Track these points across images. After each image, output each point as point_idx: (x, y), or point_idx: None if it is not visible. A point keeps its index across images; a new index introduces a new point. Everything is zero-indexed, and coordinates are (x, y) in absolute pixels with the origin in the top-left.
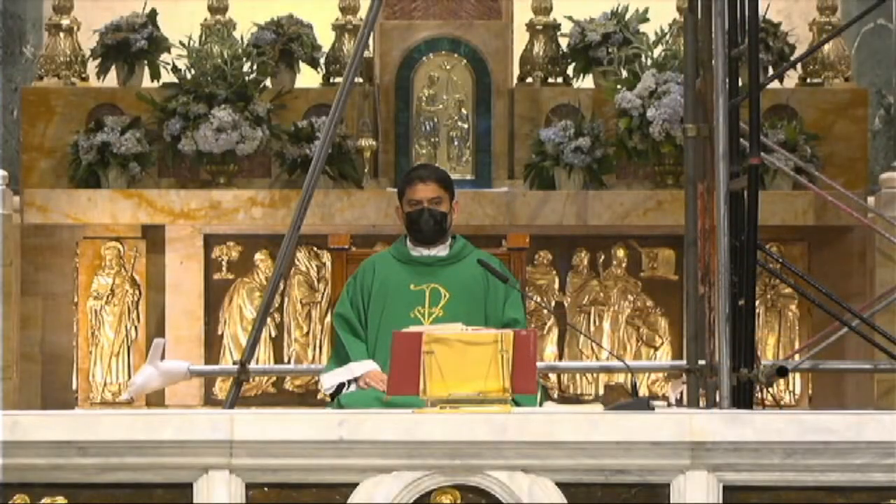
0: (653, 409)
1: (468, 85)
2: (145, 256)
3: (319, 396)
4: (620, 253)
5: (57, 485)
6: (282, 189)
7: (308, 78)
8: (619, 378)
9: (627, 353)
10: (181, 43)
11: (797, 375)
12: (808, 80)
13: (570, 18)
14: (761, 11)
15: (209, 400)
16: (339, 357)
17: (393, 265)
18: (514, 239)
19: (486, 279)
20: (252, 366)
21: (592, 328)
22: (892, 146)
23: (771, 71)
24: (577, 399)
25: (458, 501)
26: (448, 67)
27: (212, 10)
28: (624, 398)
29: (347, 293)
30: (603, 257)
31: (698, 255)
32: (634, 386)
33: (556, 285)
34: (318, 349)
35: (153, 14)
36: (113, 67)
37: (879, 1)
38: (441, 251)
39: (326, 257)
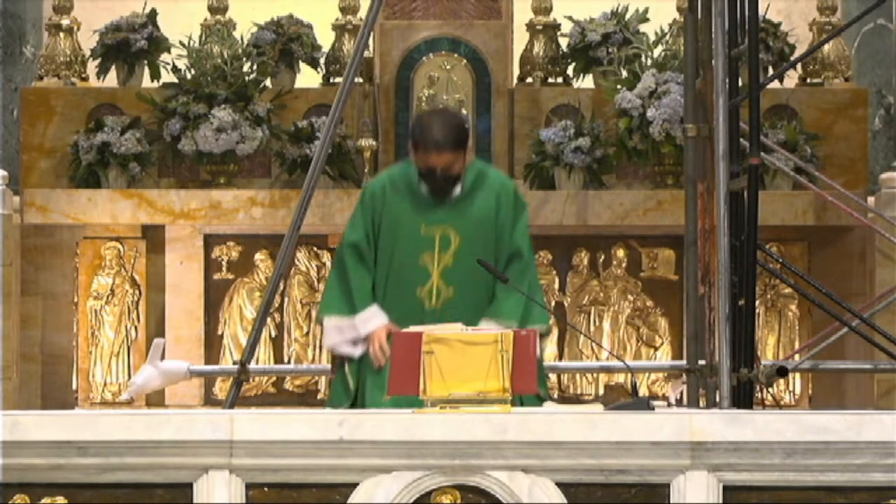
0: (653, 409)
1: (468, 85)
2: (145, 256)
3: (319, 396)
4: (620, 253)
5: (57, 485)
6: (282, 189)
7: (308, 78)
8: (619, 378)
9: (627, 353)
10: (181, 43)
11: (797, 375)
12: (808, 80)
13: (570, 18)
14: (761, 11)
15: (209, 400)
16: (343, 287)
17: (404, 198)
18: None
19: (498, 209)
20: (252, 366)
21: (592, 328)
22: (892, 146)
23: (771, 71)
24: (577, 399)
25: (458, 501)
26: (448, 67)
27: (212, 10)
28: (624, 398)
29: (361, 220)
30: (603, 257)
31: (698, 255)
32: (634, 386)
33: (556, 285)
34: (318, 349)
35: (153, 14)
36: (113, 67)
37: (879, 1)
38: (454, 192)
39: (326, 257)
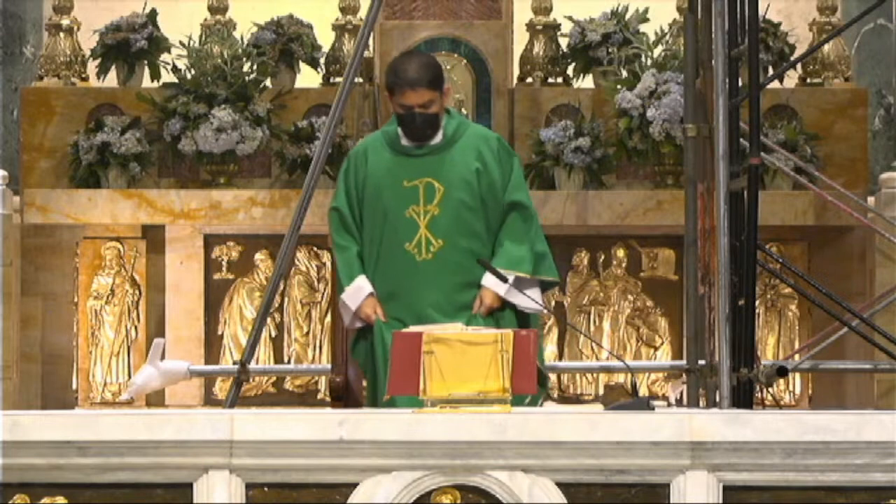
0: (653, 409)
1: (468, 85)
2: (145, 256)
3: (319, 396)
4: (620, 253)
5: (57, 485)
6: (282, 189)
7: (308, 78)
8: (619, 378)
9: (627, 353)
10: (181, 43)
11: (797, 375)
12: (808, 80)
13: (570, 18)
14: (761, 11)
15: (209, 400)
16: (339, 260)
17: (385, 155)
18: None
19: (483, 160)
20: (252, 366)
21: (592, 328)
22: (892, 146)
23: (771, 71)
24: (577, 399)
25: (458, 501)
26: (448, 67)
27: (212, 10)
28: (624, 398)
29: (343, 185)
30: (603, 257)
31: (698, 255)
32: (634, 386)
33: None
34: (318, 349)
35: (153, 14)
36: (113, 67)
37: (879, 1)
38: (434, 139)
39: (326, 257)
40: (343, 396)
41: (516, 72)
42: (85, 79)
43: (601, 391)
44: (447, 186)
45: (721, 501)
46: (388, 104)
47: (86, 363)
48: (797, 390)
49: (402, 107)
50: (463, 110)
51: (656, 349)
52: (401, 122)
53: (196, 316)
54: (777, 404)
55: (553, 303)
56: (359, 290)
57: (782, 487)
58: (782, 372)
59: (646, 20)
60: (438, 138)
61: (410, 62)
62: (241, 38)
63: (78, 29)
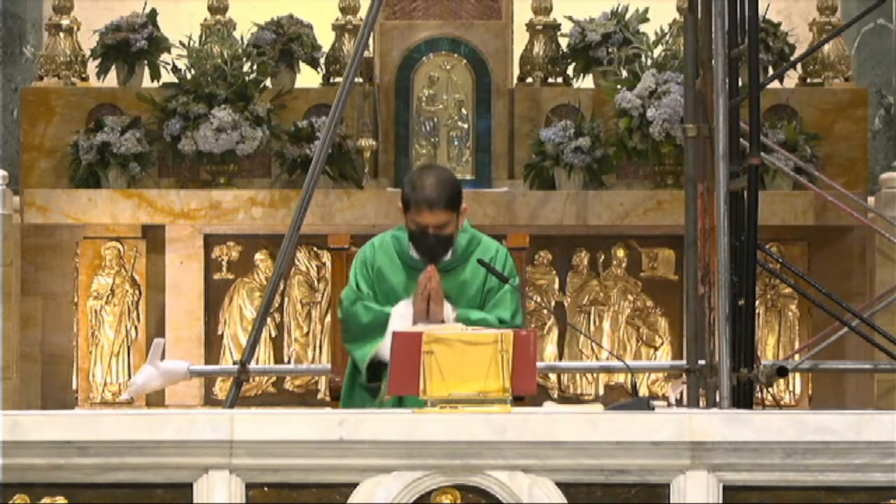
0: (653, 409)
1: (468, 85)
2: (145, 256)
3: (319, 396)
4: (620, 253)
5: (57, 485)
6: (282, 189)
7: (308, 78)
8: (619, 378)
9: (627, 353)
10: (181, 43)
11: (797, 375)
12: (808, 80)
13: (570, 18)
14: (761, 11)
15: (209, 400)
16: (365, 329)
17: (395, 264)
18: (514, 239)
19: (486, 276)
20: (252, 366)
21: (592, 328)
22: (892, 146)
23: (771, 71)
24: (577, 399)
25: (458, 501)
26: (448, 67)
27: (212, 10)
28: (624, 398)
29: (364, 282)
30: (603, 257)
31: (698, 255)
32: (634, 386)
33: (556, 285)
34: (318, 349)
35: (153, 14)
36: (113, 67)
37: (879, 1)
38: (445, 257)
39: (326, 257)
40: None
41: (516, 72)
42: (85, 79)
43: (601, 391)
44: (455, 303)
45: (721, 501)
46: (388, 102)
47: (86, 363)
48: (797, 390)
49: (416, 224)
50: (463, 110)
51: (656, 349)
52: (412, 237)
53: (196, 316)
54: (777, 404)
55: (553, 303)
56: (402, 312)
57: (782, 487)
58: (782, 372)
59: (646, 20)
60: (449, 256)
61: (430, 178)
62: (241, 38)
63: (78, 29)
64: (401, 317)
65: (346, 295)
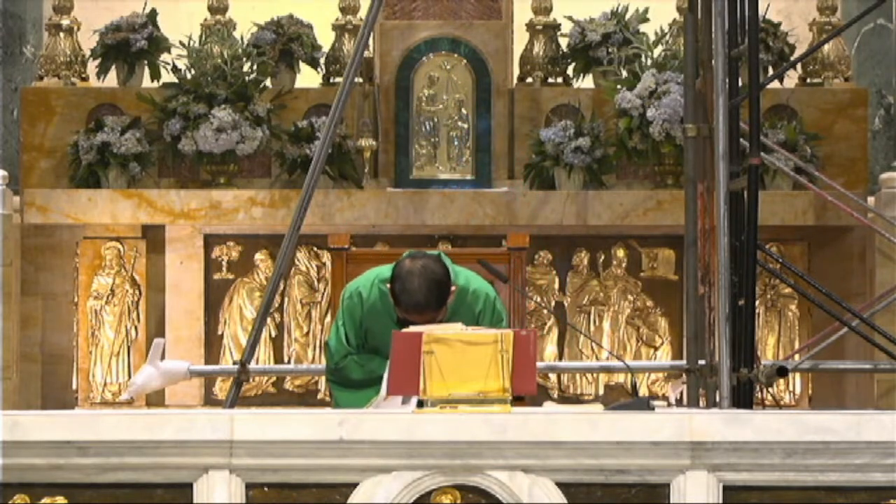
0: (653, 409)
1: (468, 85)
2: (145, 256)
3: (319, 396)
4: (620, 253)
5: (57, 485)
6: (282, 189)
7: (308, 78)
8: (619, 378)
9: (627, 353)
10: (181, 43)
11: (797, 375)
12: (808, 80)
13: (570, 18)
14: (761, 11)
15: (209, 400)
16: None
17: (383, 320)
18: (514, 239)
19: (477, 319)
20: (252, 366)
21: (592, 328)
22: (892, 146)
23: (771, 71)
24: (577, 399)
25: (458, 501)
26: (448, 67)
27: (212, 10)
28: (624, 398)
29: (352, 329)
30: (603, 257)
31: (698, 255)
32: (634, 386)
33: (556, 285)
34: (318, 349)
35: (153, 14)
36: (113, 67)
37: (879, 1)
38: None
39: (326, 257)
40: None
41: (516, 72)
42: (85, 79)
43: (601, 391)
44: None
45: (721, 501)
46: (388, 102)
47: (86, 363)
48: (797, 390)
49: (405, 319)
50: (463, 110)
51: (656, 349)
52: (401, 322)
53: (196, 316)
54: (777, 404)
55: (553, 303)
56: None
57: (782, 487)
58: (782, 372)
59: (646, 20)
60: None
61: (417, 281)
62: (241, 38)
63: (78, 29)
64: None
65: (335, 348)
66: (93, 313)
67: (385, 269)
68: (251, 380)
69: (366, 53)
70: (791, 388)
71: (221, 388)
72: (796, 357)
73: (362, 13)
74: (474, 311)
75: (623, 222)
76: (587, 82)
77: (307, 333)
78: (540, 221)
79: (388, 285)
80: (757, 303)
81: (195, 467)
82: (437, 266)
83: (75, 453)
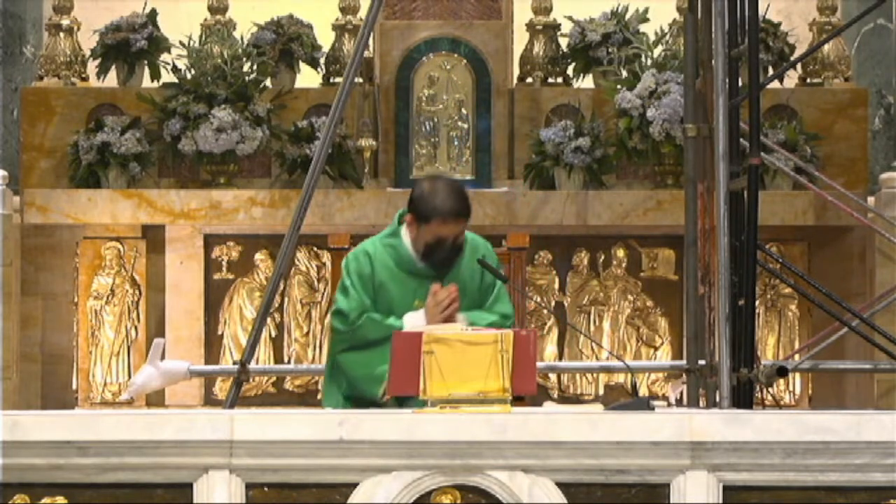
0: (653, 409)
1: (468, 85)
2: (145, 256)
3: (319, 397)
4: (620, 253)
5: (57, 485)
6: (282, 189)
7: (308, 78)
8: (619, 378)
9: (627, 353)
10: (181, 43)
11: (797, 375)
12: (808, 80)
13: (570, 18)
14: (761, 11)
15: (209, 400)
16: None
17: (395, 274)
18: (514, 239)
19: (482, 274)
20: (252, 366)
21: (592, 328)
22: (892, 146)
23: (771, 71)
24: (577, 399)
25: (458, 501)
26: (448, 67)
27: (212, 10)
28: (624, 398)
29: (361, 290)
30: (603, 257)
31: (698, 255)
32: (634, 386)
33: (556, 285)
34: (318, 349)
35: (153, 14)
36: (113, 67)
37: (879, 1)
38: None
39: (326, 257)
40: None
41: (516, 72)
42: (85, 79)
43: (601, 391)
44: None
45: (721, 501)
46: (388, 102)
47: (86, 363)
48: (797, 390)
49: (434, 236)
50: (463, 110)
51: (656, 349)
52: (427, 249)
53: (196, 316)
54: (777, 404)
55: (553, 303)
56: (417, 325)
57: (782, 487)
58: (782, 372)
59: (646, 20)
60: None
61: (445, 190)
62: (241, 38)
63: (78, 29)
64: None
65: (348, 307)
66: (93, 313)
67: (378, 236)
68: (251, 380)
69: (366, 53)
70: (791, 388)
71: (221, 388)
72: (796, 357)
73: (362, 13)
74: (476, 256)
75: (623, 222)
76: (587, 82)
77: (307, 333)
78: (540, 221)
79: (412, 209)
80: (757, 303)
81: (195, 467)
82: (456, 180)
83: (75, 453)
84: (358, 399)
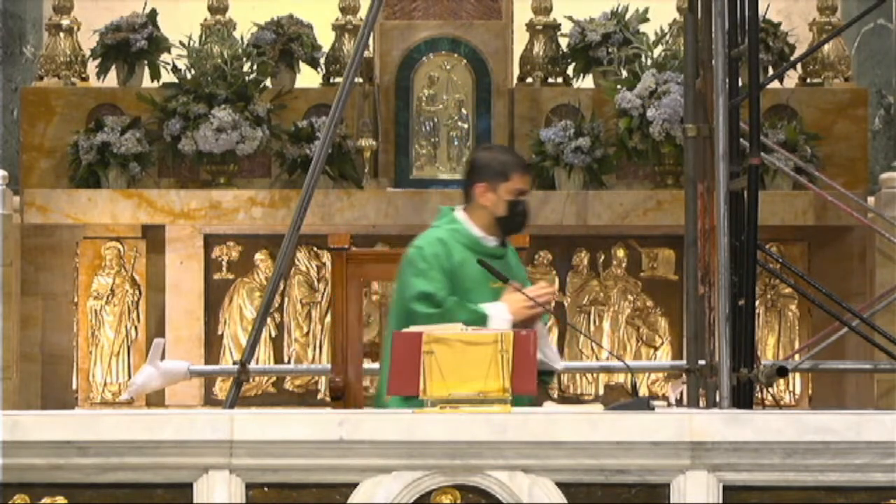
0: (653, 409)
1: (468, 85)
2: (145, 256)
3: (319, 396)
4: (620, 253)
5: (57, 485)
6: (282, 189)
7: (308, 78)
8: (619, 378)
9: (627, 353)
10: (181, 43)
11: (797, 375)
12: (808, 80)
13: (570, 18)
14: (761, 11)
15: (209, 400)
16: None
17: (465, 254)
18: (515, 239)
19: (518, 255)
20: (252, 366)
21: (592, 328)
22: (892, 146)
23: (771, 71)
24: (577, 399)
25: (458, 501)
26: (448, 67)
27: (212, 10)
28: (624, 398)
29: (439, 273)
30: (603, 257)
31: (698, 255)
32: (634, 386)
33: (556, 285)
34: (318, 349)
35: (153, 14)
36: (113, 67)
37: (879, 1)
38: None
39: (326, 257)
40: (343, 396)
41: (516, 72)
42: (85, 79)
43: (601, 391)
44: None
45: (721, 501)
46: (388, 102)
47: (86, 363)
48: (797, 390)
49: (514, 193)
50: (463, 110)
51: (656, 349)
52: (509, 212)
53: (196, 316)
54: (777, 404)
55: (553, 303)
56: (502, 317)
57: (782, 487)
58: (782, 372)
59: (646, 20)
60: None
61: (505, 149)
62: (241, 38)
63: (78, 29)
64: (502, 322)
65: (434, 288)
66: (93, 313)
67: (436, 227)
68: (251, 380)
69: (366, 53)
70: (791, 388)
71: (221, 388)
72: (796, 357)
73: (362, 13)
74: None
75: (623, 222)
76: (587, 82)
77: (307, 333)
78: (540, 221)
79: (483, 177)
80: (757, 303)
81: (195, 467)
82: None
83: (75, 453)
84: None
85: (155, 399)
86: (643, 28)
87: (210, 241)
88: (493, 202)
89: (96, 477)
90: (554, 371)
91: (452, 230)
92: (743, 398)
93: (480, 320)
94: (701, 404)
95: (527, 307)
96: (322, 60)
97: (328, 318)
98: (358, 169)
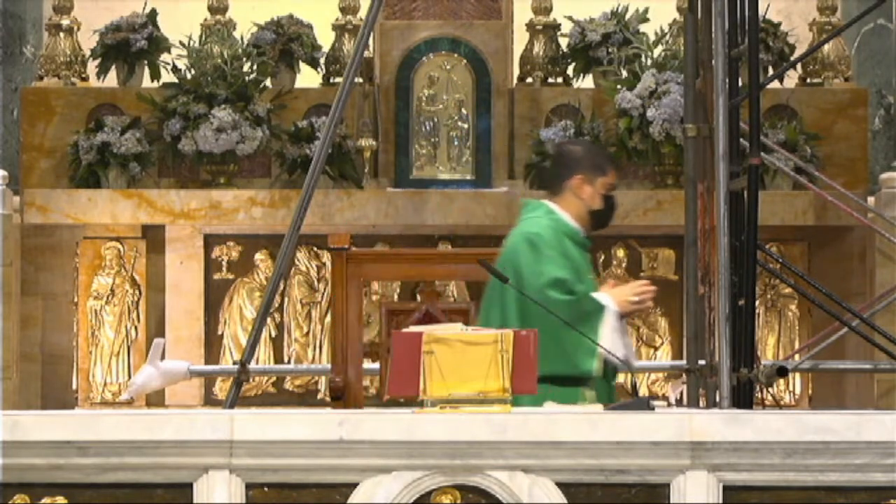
0: (653, 409)
1: (468, 85)
2: (145, 256)
3: (319, 396)
4: (620, 253)
5: (57, 485)
6: (282, 189)
7: (308, 78)
8: (620, 378)
9: None
10: (181, 43)
11: (797, 375)
12: (808, 80)
13: (570, 18)
14: (761, 11)
15: (209, 400)
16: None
17: (571, 246)
18: None
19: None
20: (252, 366)
21: None
22: (892, 146)
23: (771, 71)
24: None
25: (458, 501)
26: (448, 67)
27: (212, 10)
28: (624, 398)
29: (563, 258)
30: (603, 257)
31: (698, 255)
32: (634, 386)
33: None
34: (318, 349)
35: (153, 14)
36: (113, 67)
37: (879, 1)
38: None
39: (326, 257)
40: (343, 396)
41: (516, 72)
42: (85, 79)
43: None
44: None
45: (721, 501)
46: (388, 102)
47: (86, 363)
48: (797, 390)
49: (610, 186)
50: (463, 110)
51: (656, 349)
52: (605, 206)
53: (196, 316)
54: (777, 404)
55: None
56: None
57: (782, 487)
58: (782, 372)
59: (646, 20)
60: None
61: (591, 144)
62: (241, 38)
63: (78, 29)
64: (613, 330)
65: (565, 273)
66: (93, 313)
67: (530, 220)
68: (251, 380)
69: (366, 53)
70: (791, 388)
71: (221, 388)
72: (796, 357)
73: (362, 13)
74: None
75: (623, 222)
76: (587, 82)
77: (307, 333)
78: None
79: (583, 169)
80: (757, 303)
81: (195, 467)
82: None
83: (75, 453)
84: (559, 379)
85: (155, 399)
86: (643, 28)
87: (210, 241)
88: (589, 195)
89: (96, 477)
90: (618, 369)
91: (554, 219)
92: (743, 398)
93: (599, 311)
94: (701, 404)
95: (630, 302)
96: (322, 60)
97: (328, 318)
98: (358, 169)
